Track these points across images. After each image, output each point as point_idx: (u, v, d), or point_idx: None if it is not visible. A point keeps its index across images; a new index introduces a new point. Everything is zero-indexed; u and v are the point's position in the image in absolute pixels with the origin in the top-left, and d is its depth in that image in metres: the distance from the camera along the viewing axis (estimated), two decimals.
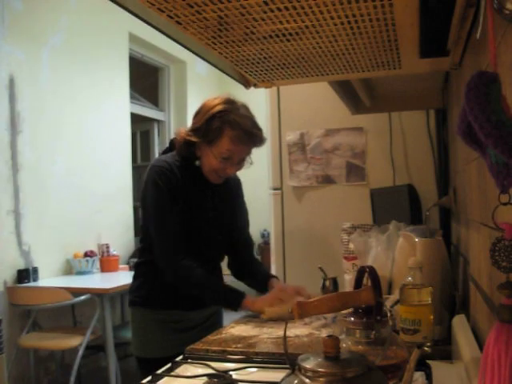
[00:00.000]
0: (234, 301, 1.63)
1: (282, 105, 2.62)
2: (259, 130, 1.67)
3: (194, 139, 1.62)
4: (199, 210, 1.69)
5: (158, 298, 1.69)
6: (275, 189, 2.64)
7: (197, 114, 1.67)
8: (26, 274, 3.42)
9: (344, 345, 0.90)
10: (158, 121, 5.57)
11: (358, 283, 0.98)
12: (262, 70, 1.35)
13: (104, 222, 4.13)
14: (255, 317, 1.66)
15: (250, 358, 1.28)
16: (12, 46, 3.46)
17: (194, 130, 1.63)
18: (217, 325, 1.80)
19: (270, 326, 1.56)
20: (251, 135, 1.63)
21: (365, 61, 1.27)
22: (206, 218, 1.71)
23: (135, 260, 1.84)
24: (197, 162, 1.68)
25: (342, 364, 0.75)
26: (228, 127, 1.59)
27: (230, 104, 1.64)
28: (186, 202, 1.65)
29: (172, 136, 1.81)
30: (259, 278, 1.83)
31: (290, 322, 1.52)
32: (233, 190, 1.85)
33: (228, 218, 1.79)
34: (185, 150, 1.66)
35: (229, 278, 1.85)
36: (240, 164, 1.68)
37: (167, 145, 1.82)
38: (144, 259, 1.73)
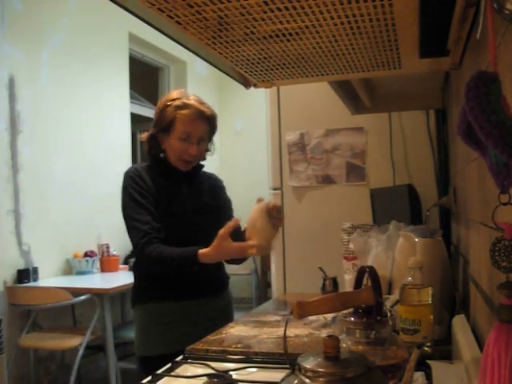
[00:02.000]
0: (189, 256, 1.64)
1: (282, 105, 2.62)
2: (207, 107, 1.80)
3: (152, 131, 1.79)
4: (176, 204, 1.77)
5: (154, 294, 1.74)
6: (275, 189, 2.64)
7: (155, 110, 1.82)
8: (26, 274, 3.42)
9: (344, 345, 0.90)
10: None
11: (358, 283, 0.98)
12: (261, 70, 1.35)
13: (104, 222, 4.13)
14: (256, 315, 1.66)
15: (249, 358, 1.28)
16: (12, 46, 3.46)
17: (155, 124, 1.79)
18: (224, 322, 1.74)
19: (270, 326, 1.56)
20: (201, 112, 1.76)
21: (365, 61, 1.27)
22: (183, 208, 1.77)
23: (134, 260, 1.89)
24: (161, 155, 1.81)
25: (342, 364, 0.75)
26: (178, 110, 1.74)
27: (179, 94, 1.80)
28: (159, 200, 1.74)
29: None
30: None
31: (290, 323, 1.52)
32: (210, 185, 1.92)
33: (210, 215, 1.84)
34: (153, 146, 1.80)
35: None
36: (200, 144, 1.78)
37: None
38: (137, 261, 1.83)
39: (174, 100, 1.76)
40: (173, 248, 1.67)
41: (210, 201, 1.85)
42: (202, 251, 1.63)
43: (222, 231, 1.61)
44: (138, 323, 1.77)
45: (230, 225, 1.62)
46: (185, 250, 1.66)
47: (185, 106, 1.75)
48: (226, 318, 1.79)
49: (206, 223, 1.80)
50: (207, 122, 1.79)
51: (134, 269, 1.84)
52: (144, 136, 1.83)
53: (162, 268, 1.67)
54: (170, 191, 1.78)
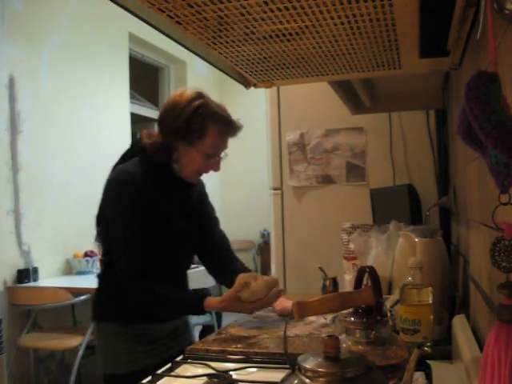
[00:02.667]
0: (194, 306, 1.53)
1: (282, 105, 2.62)
2: (235, 120, 1.60)
3: (172, 140, 1.51)
4: (168, 221, 1.58)
5: (125, 312, 1.57)
6: (275, 189, 2.64)
7: (168, 113, 1.53)
8: (26, 274, 3.42)
9: (344, 345, 0.90)
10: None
11: (357, 283, 0.98)
12: (262, 70, 1.35)
13: None
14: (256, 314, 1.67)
15: (249, 358, 1.28)
16: (12, 46, 3.46)
17: (173, 131, 1.50)
18: (185, 335, 1.72)
19: (270, 326, 1.56)
20: (233, 125, 1.57)
21: (365, 61, 1.27)
22: (175, 227, 1.60)
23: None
24: (175, 166, 1.56)
25: (342, 364, 0.75)
26: (211, 123, 1.50)
27: (203, 97, 1.54)
28: (151, 215, 1.53)
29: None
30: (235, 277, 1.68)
31: (290, 323, 1.52)
32: (198, 192, 1.73)
33: (197, 223, 1.70)
34: (162, 155, 1.53)
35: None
36: (221, 159, 1.59)
37: None
38: (108, 272, 1.60)
39: (202, 108, 1.49)
40: (170, 288, 1.54)
41: (199, 210, 1.71)
42: (209, 301, 1.50)
43: (233, 292, 1.50)
44: (104, 339, 1.61)
45: (238, 286, 1.50)
46: (189, 297, 1.56)
47: (218, 117, 1.52)
48: (186, 334, 1.73)
49: (193, 232, 1.67)
50: (234, 135, 1.60)
51: (103, 282, 1.63)
52: (150, 140, 1.55)
53: (160, 309, 1.55)
54: (163, 207, 1.56)
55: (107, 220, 1.56)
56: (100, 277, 1.66)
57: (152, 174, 1.55)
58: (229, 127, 1.56)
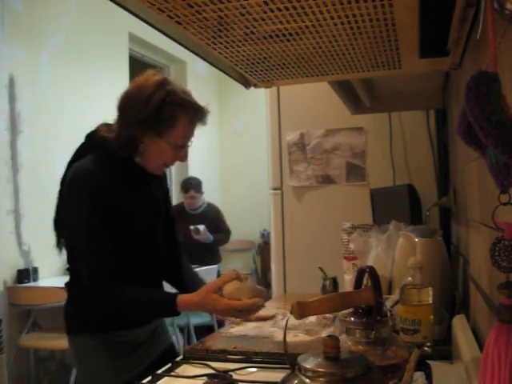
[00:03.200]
0: (166, 304, 1.39)
1: (282, 105, 2.62)
2: (201, 104, 1.46)
3: (140, 133, 1.39)
4: (136, 215, 1.46)
5: (101, 321, 1.44)
6: (275, 189, 2.64)
7: (133, 101, 1.39)
8: (26, 274, 3.42)
9: (344, 345, 0.90)
10: None
11: (358, 283, 0.98)
12: (262, 70, 1.35)
13: None
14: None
15: (250, 358, 1.28)
16: (12, 46, 3.46)
17: (140, 122, 1.37)
18: (163, 336, 1.62)
19: (270, 326, 1.56)
20: (202, 112, 1.44)
21: (365, 61, 1.27)
22: (145, 219, 1.49)
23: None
24: (137, 159, 1.45)
25: (342, 364, 0.75)
26: (181, 111, 1.38)
27: (170, 82, 1.43)
28: (118, 211, 1.40)
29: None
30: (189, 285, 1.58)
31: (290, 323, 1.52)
32: (158, 184, 1.59)
33: (161, 215, 1.59)
34: (128, 149, 1.41)
35: None
36: (188, 147, 1.49)
37: None
38: (76, 279, 1.45)
39: (171, 94, 1.37)
40: (140, 291, 1.40)
41: (162, 202, 1.60)
42: (182, 298, 1.37)
43: (214, 283, 1.40)
44: (82, 353, 1.47)
45: (225, 277, 1.40)
46: (158, 295, 1.42)
47: (188, 105, 1.40)
48: (164, 335, 1.63)
49: (159, 225, 1.56)
50: (202, 122, 1.48)
51: (72, 292, 1.49)
52: (111, 134, 1.44)
53: (127, 314, 1.42)
54: (129, 201, 1.44)
55: (67, 223, 1.42)
56: (67, 285, 1.51)
57: (113, 168, 1.42)
58: (198, 114, 1.43)
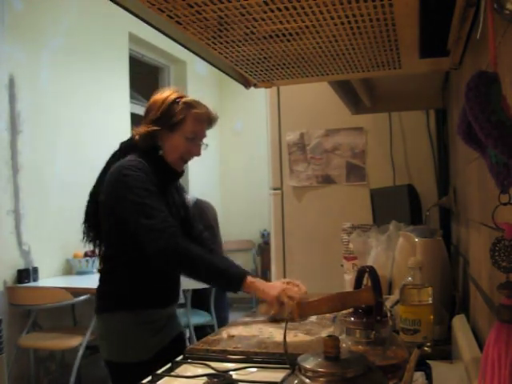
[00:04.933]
0: (235, 278, 1.55)
1: (282, 105, 2.62)
2: (212, 110, 1.75)
3: (157, 128, 1.65)
4: (171, 208, 1.69)
5: (132, 301, 1.64)
6: (275, 189, 2.64)
7: (150, 110, 1.69)
8: (26, 274, 3.42)
9: (344, 345, 0.90)
10: None
11: (357, 283, 0.98)
12: (262, 70, 1.35)
13: None
14: (254, 313, 1.67)
15: (250, 358, 1.28)
16: (12, 46, 3.45)
17: (155, 120, 1.66)
18: (176, 321, 1.81)
19: (270, 326, 1.56)
20: (210, 114, 1.72)
21: (365, 61, 1.27)
22: (171, 212, 1.69)
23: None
24: (160, 152, 1.69)
25: (342, 364, 0.75)
26: (190, 107, 1.66)
27: (180, 91, 1.73)
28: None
29: None
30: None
31: (290, 323, 1.52)
32: (180, 189, 1.89)
33: (183, 214, 1.81)
34: (147, 142, 1.67)
35: None
36: (201, 146, 1.73)
37: None
38: (111, 265, 1.68)
39: (180, 98, 1.67)
40: (215, 255, 1.63)
41: (181, 210, 1.80)
42: (250, 277, 1.55)
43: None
44: (111, 329, 1.65)
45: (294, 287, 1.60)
46: (232, 265, 1.59)
47: (197, 105, 1.68)
48: (176, 321, 1.81)
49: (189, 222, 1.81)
50: (210, 125, 1.75)
51: (107, 276, 1.70)
52: (140, 131, 1.67)
53: (196, 270, 1.56)
54: (166, 192, 1.70)
55: (126, 208, 1.58)
56: (102, 271, 1.72)
57: (150, 164, 1.65)
58: (205, 114, 1.70)
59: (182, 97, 1.68)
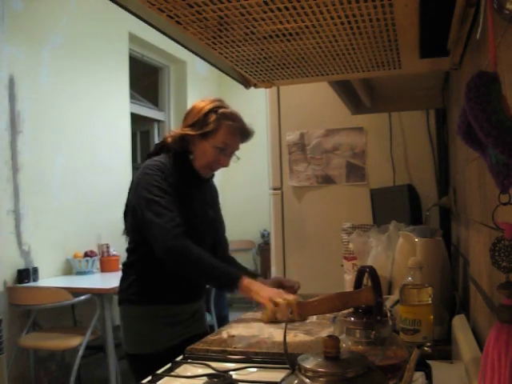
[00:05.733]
0: (231, 279, 1.59)
1: (282, 105, 2.62)
2: (248, 124, 1.80)
3: (190, 132, 1.71)
4: (190, 205, 1.74)
5: (151, 294, 1.71)
6: (275, 189, 2.64)
7: (188, 115, 1.76)
8: (26, 274, 3.42)
9: (344, 345, 0.90)
10: (157, 121, 5.57)
11: (357, 283, 0.98)
12: (262, 70, 1.35)
13: (104, 222, 4.13)
14: (255, 313, 1.67)
15: (250, 358, 1.28)
16: (12, 46, 3.46)
17: (191, 125, 1.72)
18: (200, 321, 1.86)
19: (270, 326, 1.56)
20: (245, 128, 1.77)
21: (365, 61, 1.27)
22: (195, 212, 1.76)
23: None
24: (191, 156, 1.75)
25: (342, 364, 0.75)
26: (225, 119, 1.71)
27: (222, 102, 1.78)
28: (178, 196, 1.69)
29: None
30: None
31: (290, 323, 1.52)
32: (213, 194, 1.94)
33: (212, 216, 1.87)
34: (179, 144, 1.73)
35: None
36: (231, 157, 1.79)
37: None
38: (133, 259, 1.76)
39: (218, 107, 1.72)
40: (212, 257, 1.63)
41: (211, 212, 1.87)
42: (246, 279, 1.57)
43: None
44: (130, 321, 1.75)
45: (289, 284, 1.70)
46: (227, 266, 1.65)
47: (233, 117, 1.73)
48: (201, 321, 1.87)
49: (206, 233, 1.81)
50: (245, 140, 1.80)
51: (129, 269, 1.77)
52: (175, 133, 1.75)
53: (194, 270, 1.61)
54: (187, 192, 1.74)
55: (139, 204, 1.65)
56: (125, 264, 1.79)
57: (174, 163, 1.73)
58: (240, 128, 1.75)
59: (221, 107, 1.73)
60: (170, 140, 1.75)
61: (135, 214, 1.69)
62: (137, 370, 1.72)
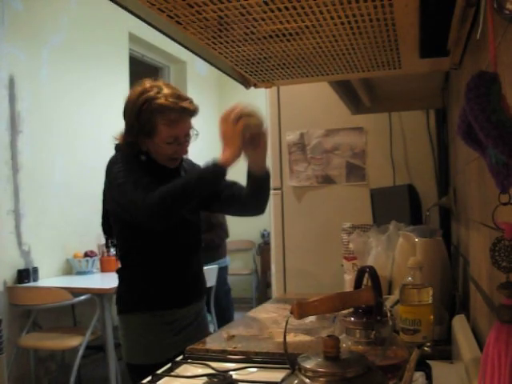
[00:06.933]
0: (210, 168, 1.52)
1: (282, 105, 2.62)
2: (187, 100, 1.59)
3: (131, 139, 1.59)
4: None
5: (149, 300, 1.64)
6: (275, 189, 2.63)
7: (125, 113, 1.61)
8: (26, 274, 3.42)
9: (344, 345, 0.90)
10: None
11: (357, 283, 0.98)
12: (262, 70, 1.35)
13: None
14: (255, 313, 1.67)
15: (250, 358, 1.28)
16: (12, 46, 3.46)
17: (128, 130, 1.60)
18: (203, 324, 1.79)
19: (270, 326, 1.56)
20: (183, 110, 1.57)
21: (365, 61, 1.27)
22: None
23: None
24: (142, 157, 1.62)
25: (342, 364, 0.75)
26: (158, 115, 1.54)
27: (151, 90, 1.56)
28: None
29: None
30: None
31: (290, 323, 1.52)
32: (186, 169, 1.78)
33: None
34: (130, 150, 1.62)
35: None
36: (187, 140, 1.63)
37: None
38: (126, 265, 1.70)
39: (146, 103, 1.53)
40: (181, 178, 1.58)
41: None
42: (220, 159, 1.50)
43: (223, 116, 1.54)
44: (131, 330, 1.66)
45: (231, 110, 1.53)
46: (197, 169, 1.60)
47: (164, 108, 1.53)
48: (203, 324, 1.80)
49: (194, 215, 1.73)
50: (191, 117, 1.61)
51: (123, 276, 1.71)
52: (121, 141, 1.65)
53: (182, 198, 1.49)
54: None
55: (113, 184, 1.60)
56: (119, 271, 1.72)
57: (140, 164, 1.62)
58: (177, 114, 1.55)
59: (149, 100, 1.54)
60: (120, 144, 1.66)
61: (117, 219, 1.65)
62: (137, 379, 1.68)
